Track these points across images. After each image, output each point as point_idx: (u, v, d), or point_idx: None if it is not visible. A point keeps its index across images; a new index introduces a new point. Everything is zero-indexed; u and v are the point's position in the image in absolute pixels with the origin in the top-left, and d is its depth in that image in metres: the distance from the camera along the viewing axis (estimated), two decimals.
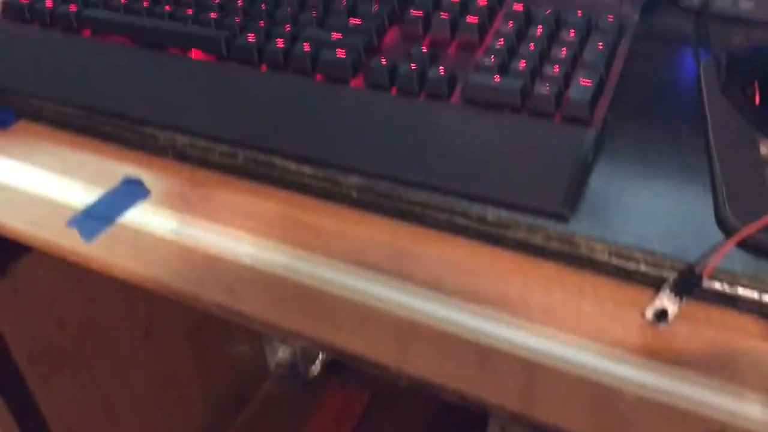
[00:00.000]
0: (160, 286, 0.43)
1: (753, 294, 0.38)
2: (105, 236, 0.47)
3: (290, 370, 1.29)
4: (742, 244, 0.39)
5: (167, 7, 0.58)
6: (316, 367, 1.29)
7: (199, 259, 0.44)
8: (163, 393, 1.04)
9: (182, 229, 0.46)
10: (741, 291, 0.38)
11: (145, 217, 0.47)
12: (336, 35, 0.53)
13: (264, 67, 0.54)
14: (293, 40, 0.54)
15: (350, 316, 0.40)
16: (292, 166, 0.47)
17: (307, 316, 0.40)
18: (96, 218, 0.48)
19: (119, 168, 0.51)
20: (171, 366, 1.05)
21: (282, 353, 1.28)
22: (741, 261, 0.39)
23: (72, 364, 0.86)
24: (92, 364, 0.89)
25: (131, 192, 0.49)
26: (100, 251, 0.46)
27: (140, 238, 0.46)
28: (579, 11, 0.52)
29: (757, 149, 0.45)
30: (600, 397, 0.36)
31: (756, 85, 0.48)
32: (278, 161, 0.48)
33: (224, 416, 1.19)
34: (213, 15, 0.57)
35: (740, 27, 0.58)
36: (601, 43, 0.50)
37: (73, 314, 0.84)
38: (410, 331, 0.39)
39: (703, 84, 0.51)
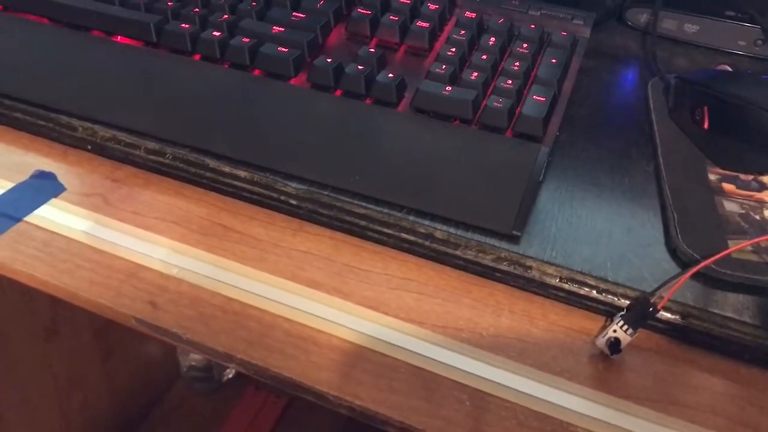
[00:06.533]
0: (71, 295, 0.39)
1: (703, 326, 0.37)
2: (10, 236, 0.42)
3: (203, 372, 1.23)
4: (694, 275, 0.38)
5: None
6: (230, 370, 1.24)
7: (118, 267, 0.40)
8: (65, 396, 0.97)
9: (100, 231, 0.42)
10: (692, 323, 0.37)
11: (58, 216, 0.43)
12: (277, 29, 0.50)
13: (197, 58, 0.50)
14: (231, 30, 0.50)
15: (285, 337, 0.37)
16: (226, 168, 0.44)
17: (237, 336, 0.37)
18: (0, 215, 0.42)
19: (30, 160, 0.46)
20: (75, 367, 0.99)
21: (195, 354, 1.23)
22: (692, 292, 0.38)
23: None
24: None
25: (43, 187, 0.44)
26: (3, 253, 0.41)
27: (51, 240, 0.41)
28: (532, 24, 0.51)
29: (706, 176, 0.44)
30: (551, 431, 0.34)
31: (705, 110, 0.47)
32: (210, 162, 0.44)
33: (132, 420, 1.13)
34: None
35: (685, 49, 0.59)
36: (554, 59, 0.48)
37: None
38: (350, 355, 0.36)
39: (651, 105, 0.51)
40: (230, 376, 1.24)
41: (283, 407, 1.18)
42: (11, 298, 0.82)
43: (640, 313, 0.36)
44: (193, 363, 1.22)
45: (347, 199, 0.42)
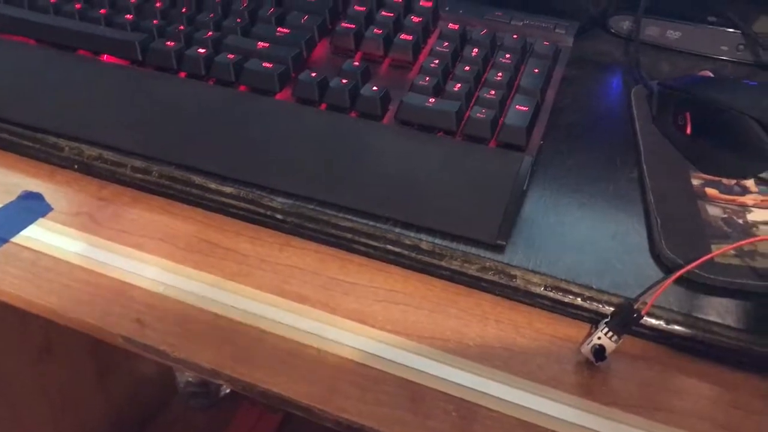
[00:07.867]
0: (58, 315, 0.39)
1: (687, 331, 0.37)
2: None
3: (200, 387, 1.23)
4: (678, 280, 0.38)
5: (78, 6, 0.53)
6: (226, 386, 1.24)
7: (105, 286, 0.40)
8: (60, 415, 0.97)
9: (87, 251, 0.42)
10: (677, 328, 0.37)
11: (45, 237, 0.43)
12: (262, 45, 0.50)
13: (183, 75, 0.50)
14: (216, 47, 0.50)
15: (272, 352, 0.37)
16: (212, 184, 0.44)
17: (224, 352, 0.37)
18: None
19: (17, 180, 0.46)
20: (70, 385, 0.98)
21: None
22: (676, 297, 0.38)
23: None
24: None
25: (30, 208, 0.45)
26: None
27: (38, 260, 0.42)
28: (515, 35, 0.51)
29: (690, 182, 0.45)
30: None
31: (687, 115, 0.47)
32: (197, 179, 0.44)
33: None
34: (128, 17, 0.53)
35: (668, 55, 0.59)
36: (537, 69, 0.49)
37: None
38: (337, 369, 0.36)
39: (634, 111, 0.51)
40: (227, 391, 1.24)
41: (278, 422, 1.18)
42: (4, 317, 0.82)
43: (624, 320, 0.37)
44: (189, 378, 1.21)
45: (333, 213, 0.42)
